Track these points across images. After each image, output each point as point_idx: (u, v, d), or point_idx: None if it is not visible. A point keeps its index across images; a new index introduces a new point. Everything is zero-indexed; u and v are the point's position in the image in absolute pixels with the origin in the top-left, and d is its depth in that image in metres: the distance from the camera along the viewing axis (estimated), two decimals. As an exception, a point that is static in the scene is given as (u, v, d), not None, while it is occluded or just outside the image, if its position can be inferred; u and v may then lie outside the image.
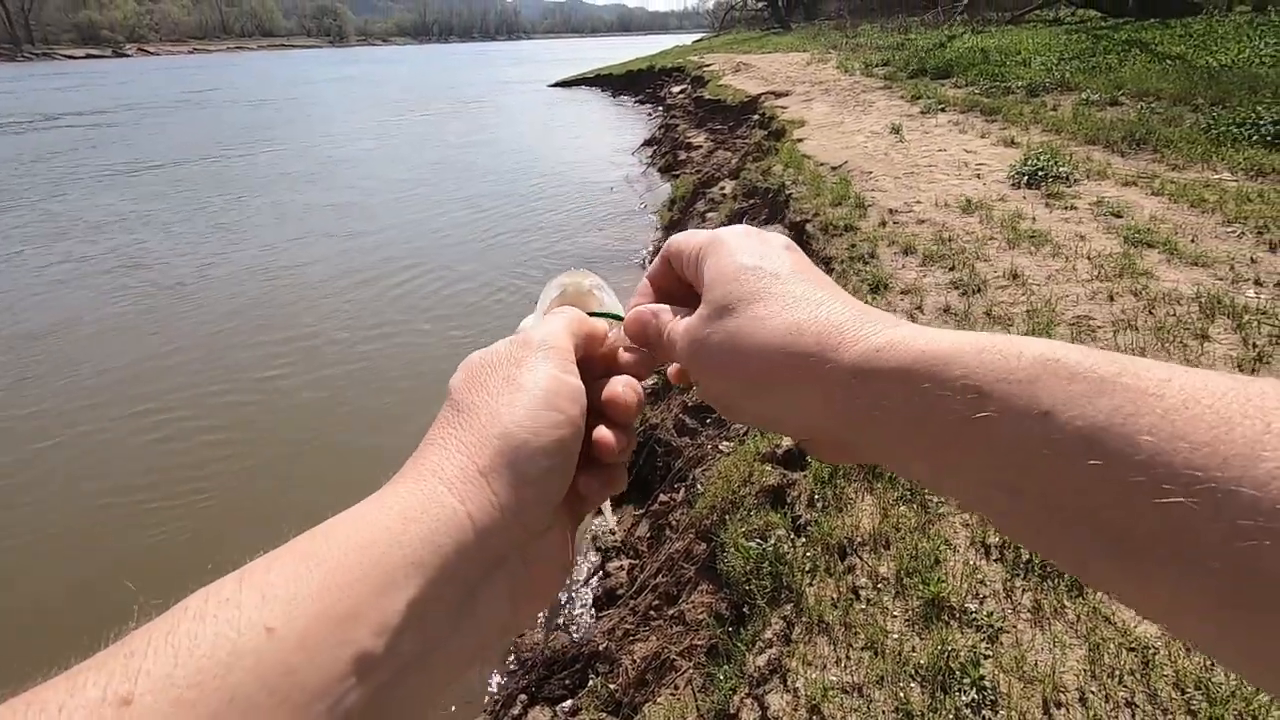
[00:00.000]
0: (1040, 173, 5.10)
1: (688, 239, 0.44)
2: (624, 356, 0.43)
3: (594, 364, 0.42)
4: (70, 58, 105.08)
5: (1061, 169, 5.12)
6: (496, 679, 3.06)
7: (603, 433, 0.38)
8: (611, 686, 2.55)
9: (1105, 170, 5.17)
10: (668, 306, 0.43)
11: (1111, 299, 3.25)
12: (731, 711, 1.86)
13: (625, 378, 0.41)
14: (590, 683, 2.71)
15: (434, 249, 8.81)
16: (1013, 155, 5.83)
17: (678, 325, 0.41)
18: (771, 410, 0.37)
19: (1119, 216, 4.25)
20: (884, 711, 1.62)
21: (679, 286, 0.45)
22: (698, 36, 58.27)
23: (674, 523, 3.28)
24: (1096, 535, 0.25)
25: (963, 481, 0.29)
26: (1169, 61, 8.33)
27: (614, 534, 3.22)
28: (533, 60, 59.90)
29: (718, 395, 0.40)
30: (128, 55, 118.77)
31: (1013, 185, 5.14)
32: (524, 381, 0.36)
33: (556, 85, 30.80)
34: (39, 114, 24.67)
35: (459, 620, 0.31)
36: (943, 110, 8.32)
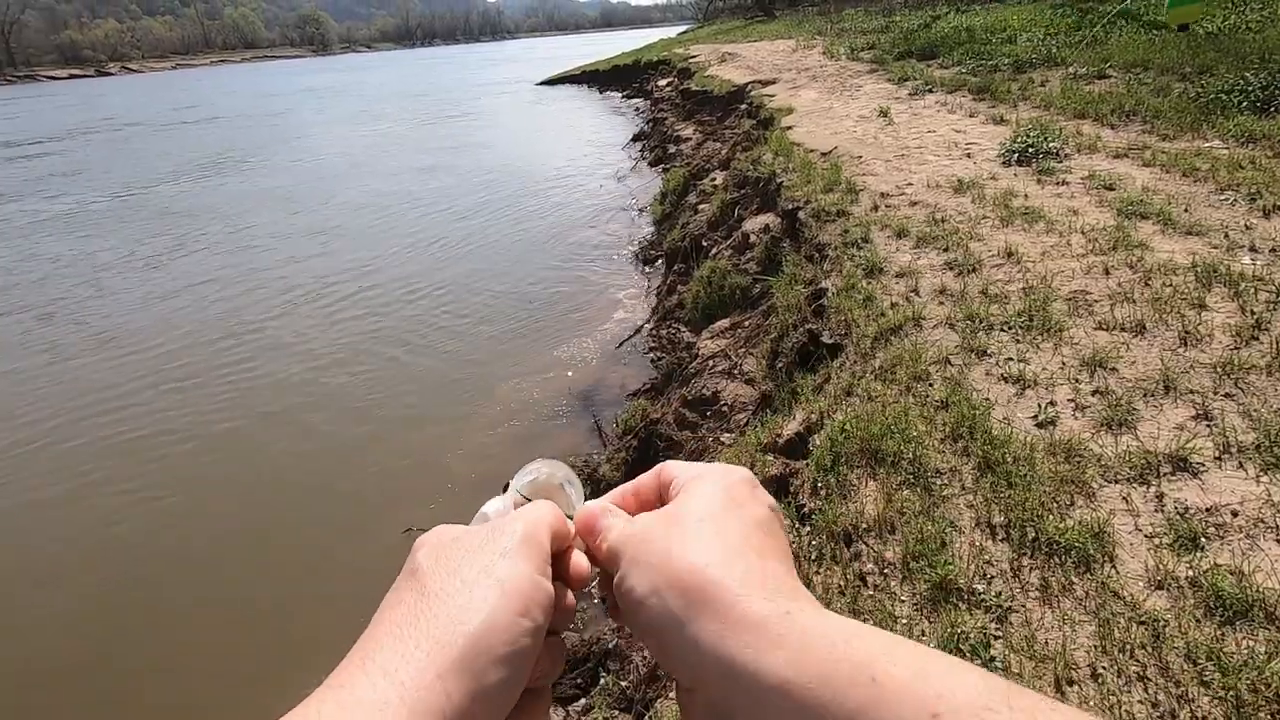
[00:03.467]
0: (1031, 149, 5.08)
1: (684, 468, 0.42)
2: (576, 562, 0.40)
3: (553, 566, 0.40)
4: (53, 78, 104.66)
5: (1052, 144, 5.10)
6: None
7: (542, 656, 0.35)
8: (623, 684, 2.55)
9: (1096, 144, 5.15)
10: (616, 509, 0.42)
11: (1107, 272, 3.23)
12: (743, 704, 1.85)
13: (570, 594, 0.39)
14: (601, 681, 2.70)
15: (422, 258, 8.78)
16: (1002, 133, 5.81)
17: (617, 523, 0.40)
18: (665, 635, 0.34)
19: (1111, 189, 4.24)
20: (896, 697, 1.62)
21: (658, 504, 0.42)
22: (682, 29, 58.04)
23: (679, 517, 3.27)
24: None
25: None
26: (1156, 32, 8.29)
27: None
28: (518, 60, 59.70)
29: (624, 602, 0.37)
30: (111, 74, 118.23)
31: (1004, 163, 5.12)
32: (503, 577, 0.34)
33: (543, 84, 30.70)
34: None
35: None
36: (930, 91, 8.29)
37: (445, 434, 4.81)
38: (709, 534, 0.35)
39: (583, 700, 2.76)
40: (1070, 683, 1.56)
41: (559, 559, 0.39)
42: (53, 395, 5.66)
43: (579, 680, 2.83)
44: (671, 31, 59.34)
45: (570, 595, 0.38)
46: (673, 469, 0.42)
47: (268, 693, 2.99)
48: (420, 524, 3.91)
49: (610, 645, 2.79)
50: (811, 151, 6.30)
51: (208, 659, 3.22)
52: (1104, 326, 2.83)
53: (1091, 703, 1.52)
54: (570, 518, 0.42)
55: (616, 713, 2.46)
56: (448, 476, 4.39)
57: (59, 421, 5.25)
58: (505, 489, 0.45)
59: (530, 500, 0.43)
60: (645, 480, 0.43)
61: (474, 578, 0.34)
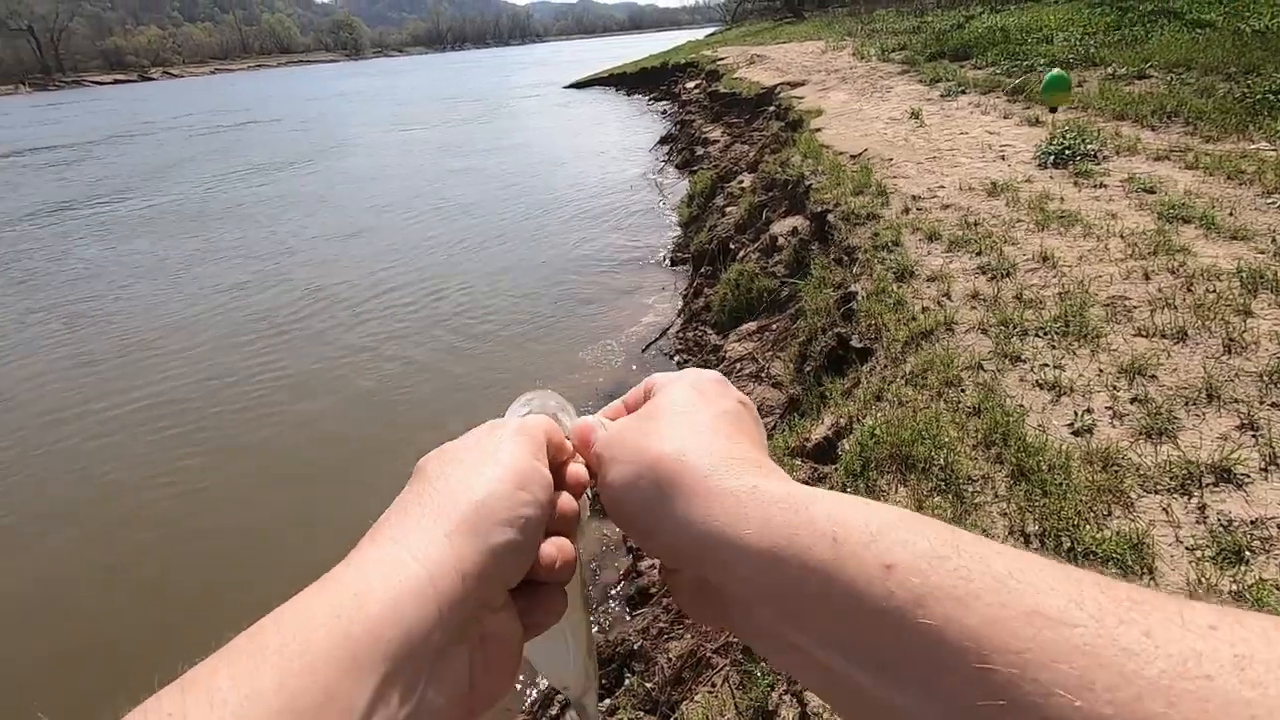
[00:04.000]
0: (1067, 151, 4.98)
1: (664, 375, 0.45)
2: (573, 470, 0.42)
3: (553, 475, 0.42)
4: (98, 83, 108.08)
5: (1089, 146, 5.00)
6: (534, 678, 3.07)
7: (547, 545, 0.37)
8: (648, 685, 2.55)
9: (1135, 145, 5.03)
10: (607, 420, 0.44)
11: (1147, 277, 3.16)
12: (770, 708, 1.85)
13: (568, 495, 0.40)
14: (627, 681, 2.71)
15: (451, 260, 8.88)
16: (1038, 135, 5.71)
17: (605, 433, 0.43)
18: (644, 519, 0.36)
19: (1152, 192, 4.13)
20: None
21: None
22: (710, 31, 57.96)
23: (705, 520, 3.26)
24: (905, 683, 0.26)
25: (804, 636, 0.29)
26: (1200, 30, 8.07)
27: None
28: (546, 63, 60.16)
29: (606, 497, 0.39)
30: (152, 78, 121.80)
31: (1039, 165, 5.02)
32: (501, 458, 0.36)
33: (571, 86, 30.88)
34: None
35: (419, 700, 0.29)
36: (963, 92, 8.17)
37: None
38: (680, 424, 0.38)
39: (608, 701, 2.77)
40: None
41: (557, 471, 0.41)
42: (89, 389, 5.84)
43: (604, 681, 2.85)
44: (700, 34, 59.31)
45: (570, 499, 0.39)
46: (655, 377, 0.45)
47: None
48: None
49: (635, 646, 2.80)
50: (841, 154, 6.25)
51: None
52: (1143, 333, 2.76)
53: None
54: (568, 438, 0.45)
55: (641, 714, 2.47)
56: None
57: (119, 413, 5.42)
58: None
59: None
60: (634, 392, 0.46)
61: (473, 460, 0.36)
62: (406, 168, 15.14)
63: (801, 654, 0.29)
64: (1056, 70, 5.94)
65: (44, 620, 3.59)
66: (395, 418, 5.17)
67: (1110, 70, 7.47)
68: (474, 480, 0.35)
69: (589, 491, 0.43)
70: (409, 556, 0.31)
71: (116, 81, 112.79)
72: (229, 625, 0.29)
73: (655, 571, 3.36)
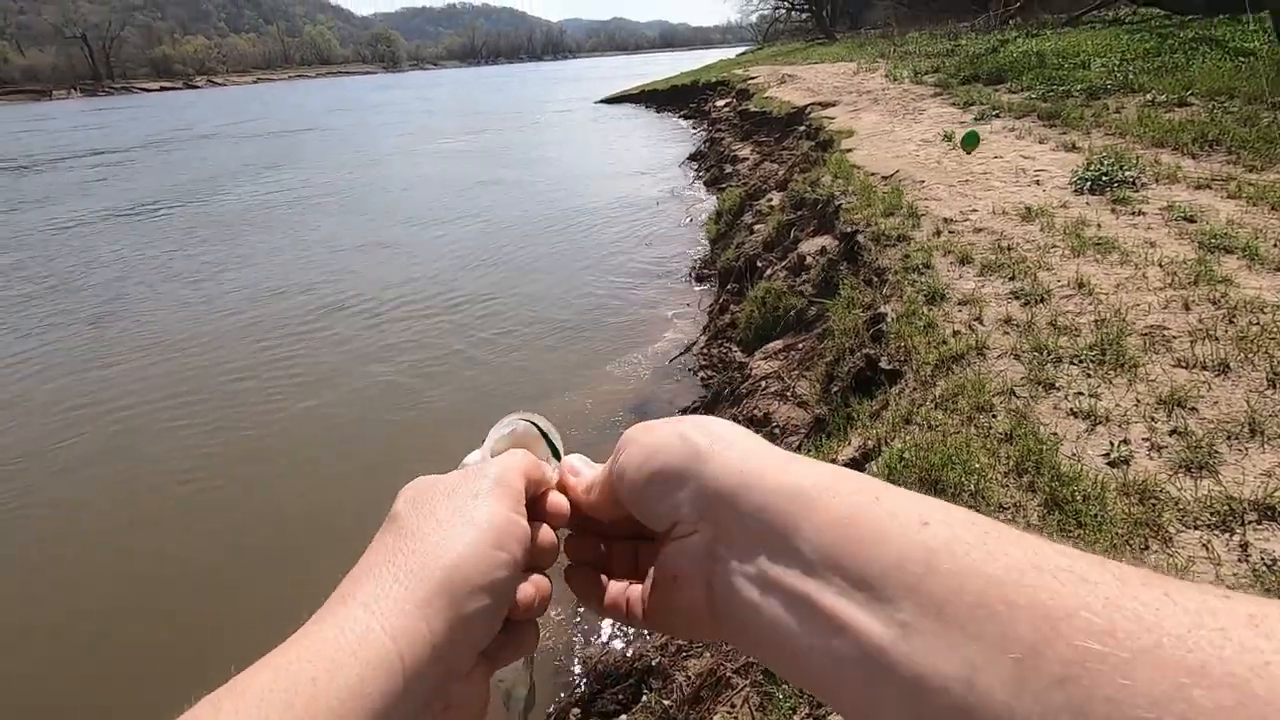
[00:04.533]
0: (1105, 177, 4.91)
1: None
2: (554, 501, 0.42)
3: (532, 509, 0.42)
4: (146, 90, 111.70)
5: (1128, 173, 4.92)
6: (550, 691, 3.06)
7: (525, 586, 0.37)
8: (666, 702, 2.53)
9: (1175, 173, 4.94)
10: (590, 461, 0.46)
11: (1187, 307, 3.09)
12: (792, 732, 1.82)
13: (547, 529, 0.40)
14: (644, 698, 2.69)
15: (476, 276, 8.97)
16: (1074, 160, 5.64)
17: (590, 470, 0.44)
18: (677, 472, 0.36)
19: (1192, 221, 4.06)
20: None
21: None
22: (741, 50, 58.31)
23: (726, 537, 3.24)
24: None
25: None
26: (1242, 59, 7.94)
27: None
28: (579, 79, 60.95)
29: (629, 463, 0.39)
30: (197, 86, 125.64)
31: (1075, 191, 4.96)
32: (477, 516, 0.36)
33: (602, 102, 31.23)
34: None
35: None
36: (997, 116, 8.11)
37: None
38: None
39: (624, 716, 2.74)
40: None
41: (537, 501, 0.41)
42: (120, 384, 5.98)
43: (620, 696, 2.83)
44: (731, 53, 59.71)
45: (550, 533, 0.40)
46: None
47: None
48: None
49: (653, 662, 2.78)
50: (872, 175, 6.23)
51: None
52: (1183, 364, 2.70)
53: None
54: (557, 455, 0.46)
55: (658, 732, 2.44)
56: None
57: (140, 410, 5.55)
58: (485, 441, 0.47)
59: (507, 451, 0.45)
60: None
61: (448, 517, 0.35)
62: (437, 179, 15.39)
63: (782, 591, 0.30)
64: (971, 129, 6.50)
65: (50, 607, 3.66)
66: (422, 424, 5.23)
67: (1149, 97, 7.37)
68: (449, 542, 0.34)
69: None
70: (379, 627, 0.31)
71: (163, 88, 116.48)
72: (244, 624, 0.30)
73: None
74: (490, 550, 0.34)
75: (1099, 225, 4.21)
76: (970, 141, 6.08)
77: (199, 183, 16.18)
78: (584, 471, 0.44)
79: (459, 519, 0.35)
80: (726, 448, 0.35)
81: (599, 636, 3.32)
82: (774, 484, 0.32)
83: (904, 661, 0.25)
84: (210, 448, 5.01)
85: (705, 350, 5.79)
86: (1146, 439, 2.35)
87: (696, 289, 7.52)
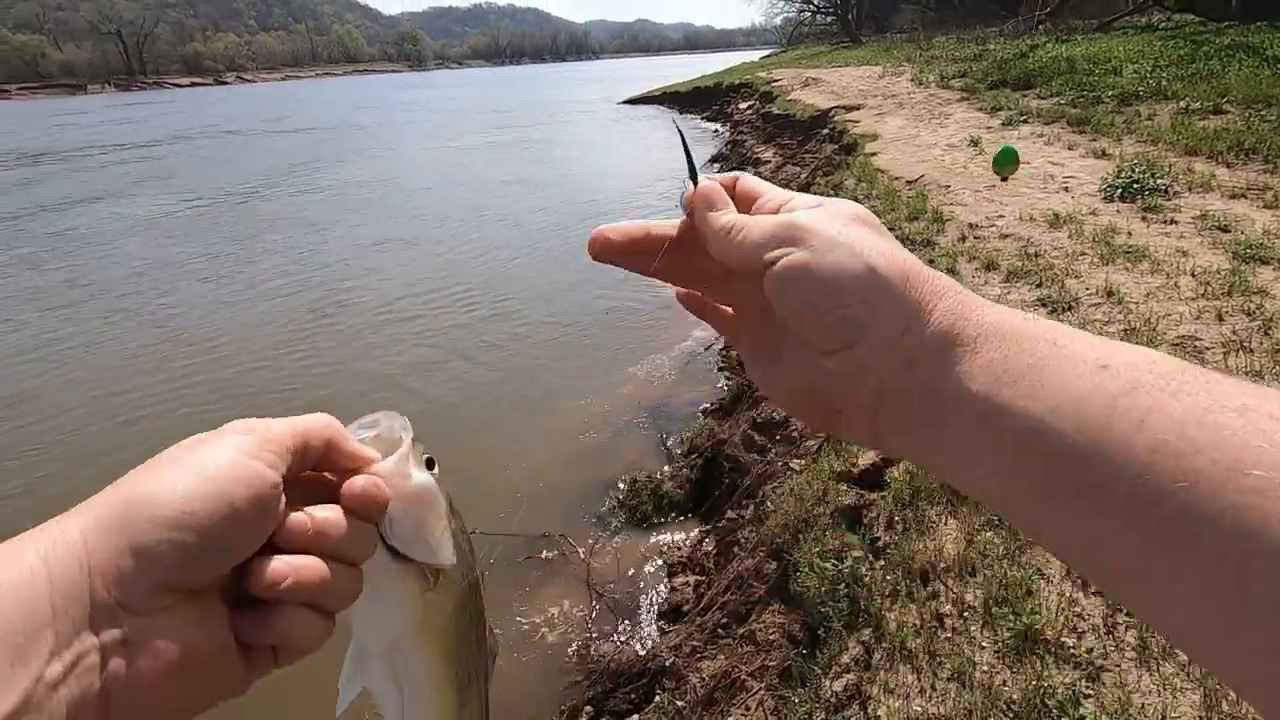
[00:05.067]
0: (1136, 185, 4.83)
1: (778, 192, 0.42)
2: (358, 484, 0.35)
3: (325, 486, 0.37)
4: (177, 85, 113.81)
5: (1159, 181, 4.84)
6: (559, 689, 3.06)
7: (275, 562, 0.32)
8: (679, 703, 2.51)
9: (1209, 182, 4.85)
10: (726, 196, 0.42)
11: (1220, 318, 3.03)
12: (807, 737, 1.80)
13: (320, 511, 0.34)
14: (656, 698, 2.68)
15: (496, 281, 9.03)
16: (1104, 167, 5.55)
17: (767, 207, 0.41)
18: (840, 333, 0.35)
19: (1226, 231, 3.97)
20: (974, 747, 1.54)
21: (702, 257, 0.41)
22: (766, 53, 58.14)
23: (743, 540, 3.23)
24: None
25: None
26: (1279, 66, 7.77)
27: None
28: (602, 80, 61.11)
29: (795, 300, 0.36)
30: (226, 82, 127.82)
31: (1105, 199, 4.88)
32: (194, 457, 0.32)
33: (625, 103, 31.29)
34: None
35: (24, 699, 0.26)
36: (1025, 122, 8.01)
37: (515, 444, 4.91)
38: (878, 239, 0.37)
39: (635, 716, 2.74)
40: (1170, 754, 1.45)
41: (321, 483, 0.36)
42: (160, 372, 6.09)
43: (633, 696, 2.82)
44: (755, 55, 59.55)
45: (306, 519, 0.34)
46: (761, 188, 0.43)
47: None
48: (486, 529, 4.00)
49: (667, 663, 2.77)
50: (896, 179, 6.18)
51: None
52: (1216, 375, 2.64)
53: (1194, 778, 1.40)
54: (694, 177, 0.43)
55: (671, 733, 2.43)
56: (517, 486, 4.47)
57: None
58: None
59: None
60: (725, 178, 0.44)
61: (171, 456, 0.33)
62: (461, 178, 15.50)
63: (991, 424, 0.30)
64: (1006, 145, 5.94)
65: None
66: (441, 425, 5.26)
67: (1183, 104, 7.24)
68: (143, 480, 0.32)
69: (389, 527, 0.37)
70: (33, 550, 0.29)
71: (194, 84, 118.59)
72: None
73: (688, 588, 3.33)
74: (191, 483, 0.31)
75: (1129, 233, 4.14)
76: (1005, 161, 5.45)
77: (280, 170, 16.48)
78: (725, 210, 0.40)
79: (172, 462, 0.32)
80: (934, 292, 0.34)
81: (612, 636, 3.31)
82: (985, 324, 0.33)
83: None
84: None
85: (725, 350, 5.77)
86: (1176, 451, 2.30)
87: (716, 291, 7.49)
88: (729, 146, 15.26)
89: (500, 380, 5.89)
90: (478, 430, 5.13)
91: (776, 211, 0.40)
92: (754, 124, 15.62)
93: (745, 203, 0.42)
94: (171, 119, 37.33)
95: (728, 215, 0.40)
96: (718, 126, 20.14)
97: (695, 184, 0.43)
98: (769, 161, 11.37)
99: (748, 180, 0.44)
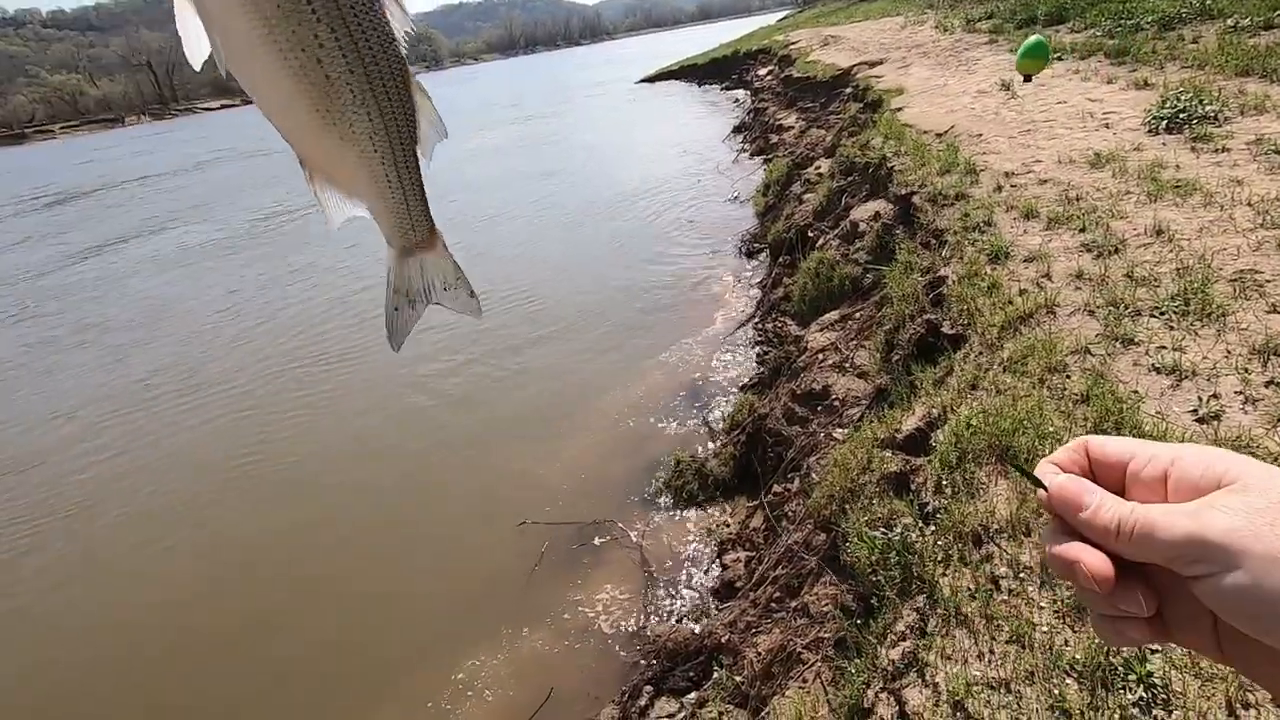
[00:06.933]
0: (1182, 114, 4.57)
1: (1167, 451, 0.38)
2: None
3: None
4: (208, 109, 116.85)
5: (1208, 108, 4.56)
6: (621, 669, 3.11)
7: None
8: (737, 679, 2.54)
9: (1263, 104, 4.55)
10: (1093, 486, 0.38)
11: (1281, 248, 2.86)
12: (866, 706, 1.80)
13: None
14: (715, 675, 2.71)
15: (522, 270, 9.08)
16: (1147, 98, 5.26)
17: (1147, 473, 0.37)
18: None
19: (1284, 154, 3.74)
20: (1037, 710, 1.52)
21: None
22: (783, 15, 56.65)
23: (790, 514, 3.22)
24: None
25: None
26: (1338, -30, 7.21)
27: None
28: (617, 60, 60.45)
29: (1236, 617, 0.34)
30: (253, 102, 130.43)
31: (1149, 132, 4.64)
32: None
33: (642, 81, 30.94)
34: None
35: None
36: (1060, 59, 7.64)
37: (558, 432, 4.97)
38: None
39: (694, 694, 2.77)
40: (1246, 706, 1.41)
41: None
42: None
43: (691, 674, 2.86)
44: (771, 19, 58.07)
45: None
46: (1123, 448, 0.38)
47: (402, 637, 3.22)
48: (534, 518, 4.08)
49: (723, 639, 2.79)
50: (925, 132, 5.98)
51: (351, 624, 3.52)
52: (1278, 309, 2.50)
53: (1273, 730, 1.36)
54: (1037, 482, 0.39)
55: (731, 707, 2.46)
56: (560, 473, 4.54)
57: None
58: None
59: None
60: (1068, 456, 0.40)
61: None
62: (487, 167, 15.59)
63: None
64: (1036, 37, 5.37)
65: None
66: (488, 416, 5.36)
67: (1230, 22, 6.79)
68: None
69: None
70: None
71: (223, 106, 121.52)
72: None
73: (740, 565, 3.34)
74: None
75: (1178, 166, 3.93)
76: (1034, 54, 4.94)
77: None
78: (1095, 504, 0.37)
79: None
80: None
81: (669, 615, 3.35)
82: None
83: None
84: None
85: (760, 325, 5.72)
86: (1239, 392, 2.19)
87: (748, 264, 7.41)
88: (751, 115, 14.98)
89: (543, 367, 5.96)
90: (527, 419, 5.22)
91: (1163, 476, 0.37)
92: (774, 90, 15.29)
93: (1109, 470, 0.39)
94: (203, 142, 38.40)
95: (1106, 510, 0.37)
96: (738, 94, 19.77)
97: (1042, 487, 0.38)
98: (792, 127, 11.13)
99: (1099, 443, 0.40)
